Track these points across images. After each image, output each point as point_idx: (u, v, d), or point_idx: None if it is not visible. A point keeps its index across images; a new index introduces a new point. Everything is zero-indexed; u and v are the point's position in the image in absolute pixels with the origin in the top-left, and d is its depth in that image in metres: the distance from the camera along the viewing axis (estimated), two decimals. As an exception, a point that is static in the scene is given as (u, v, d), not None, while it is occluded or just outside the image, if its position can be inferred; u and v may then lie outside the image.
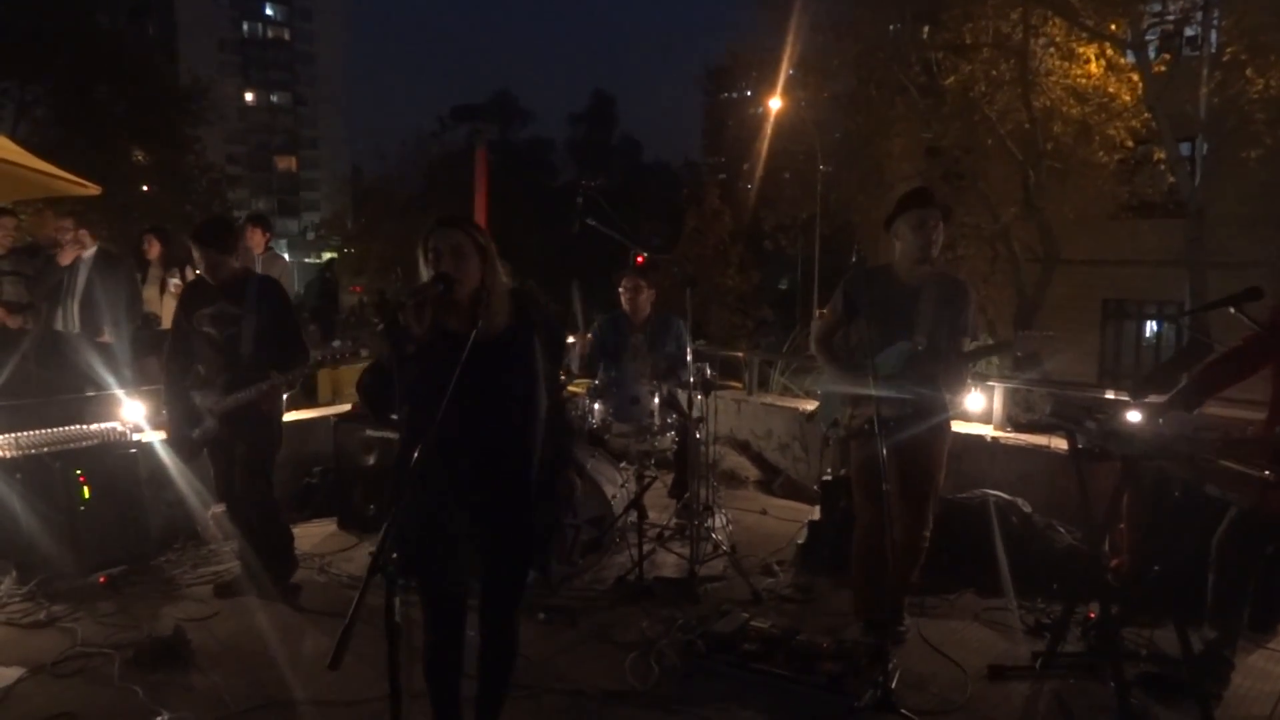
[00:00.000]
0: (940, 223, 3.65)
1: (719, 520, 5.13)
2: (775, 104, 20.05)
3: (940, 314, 3.63)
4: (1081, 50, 14.86)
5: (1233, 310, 3.35)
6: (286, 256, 14.49)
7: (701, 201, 26.70)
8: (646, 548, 4.48)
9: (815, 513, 4.93)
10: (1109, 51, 14.82)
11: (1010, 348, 4.51)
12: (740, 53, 21.28)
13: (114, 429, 4.81)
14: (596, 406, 4.65)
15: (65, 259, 6.51)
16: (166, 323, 6.64)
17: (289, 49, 70.73)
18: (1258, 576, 3.44)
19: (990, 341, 5.52)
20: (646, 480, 4.85)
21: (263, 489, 4.20)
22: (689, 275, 5.06)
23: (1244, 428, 3.56)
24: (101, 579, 4.34)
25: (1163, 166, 15.46)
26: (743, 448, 6.84)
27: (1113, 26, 14.37)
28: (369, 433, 5.29)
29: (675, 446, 5.02)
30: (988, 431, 5.40)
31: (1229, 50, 13.56)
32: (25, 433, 4.50)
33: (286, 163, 70.43)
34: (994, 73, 15.60)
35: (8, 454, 4.36)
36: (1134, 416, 3.34)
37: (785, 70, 18.78)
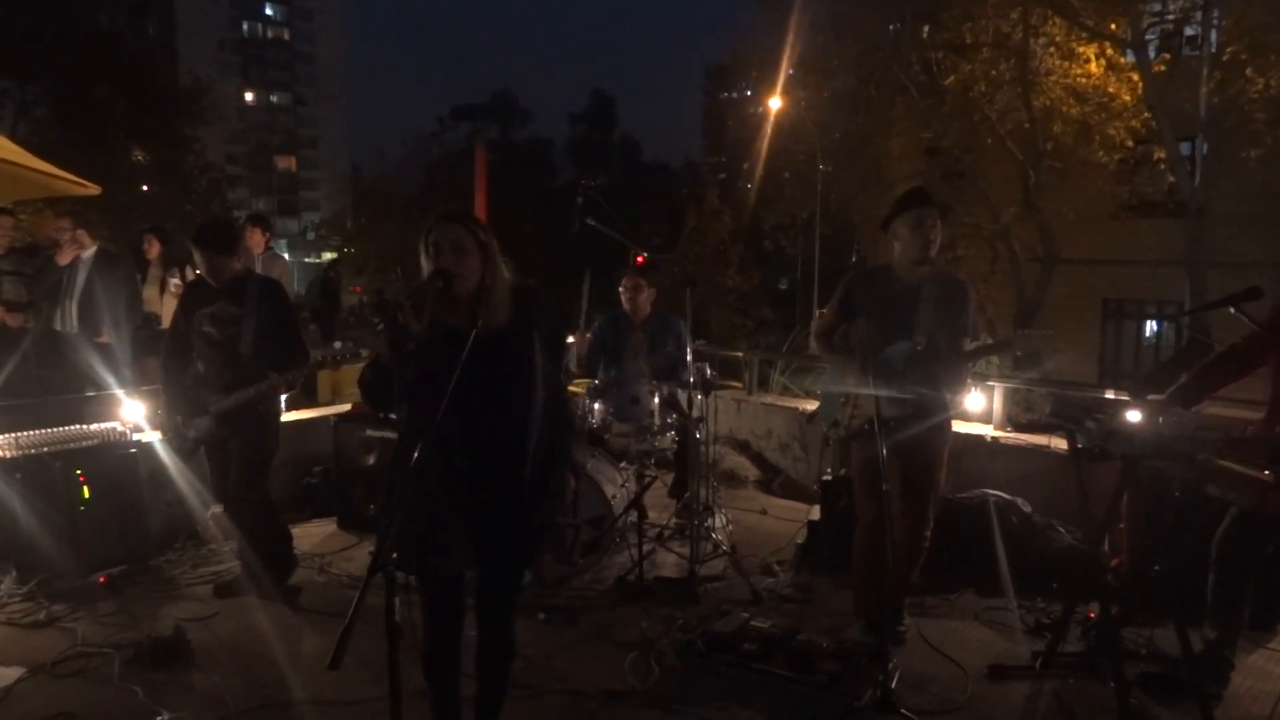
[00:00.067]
0: (938, 221, 3.65)
1: (719, 520, 5.13)
2: (775, 104, 20.06)
3: (940, 313, 3.63)
4: (1081, 50, 14.86)
5: (1233, 310, 3.35)
6: (286, 256, 14.51)
7: (701, 201, 26.72)
8: (646, 548, 4.48)
9: (815, 513, 4.93)
10: (1109, 51, 14.82)
11: (1010, 347, 4.50)
12: (740, 52, 21.30)
13: (114, 429, 4.80)
14: (596, 406, 4.65)
15: (63, 259, 6.51)
16: (166, 323, 6.63)
17: (289, 49, 70.73)
18: (1258, 576, 3.44)
19: (990, 341, 5.52)
20: (646, 480, 4.85)
21: (260, 489, 4.19)
22: (689, 275, 5.05)
23: (1244, 428, 3.56)
24: (101, 579, 4.34)
25: (1163, 166, 15.46)
26: (743, 447, 6.85)
27: (1113, 26, 14.36)
28: (369, 433, 5.29)
29: (675, 446, 5.02)
30: (988, 431, 5.40)
31: (1229, 50, 13.56)
32: (25, 433, 4.50)
33: (286, 163, 70.44)
34: (994, 72, 15.60)
35: (8, 454, 4.35)
36: (1134, 416, 3.34)
37: (785, 70, 18.79)
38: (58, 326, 6.56)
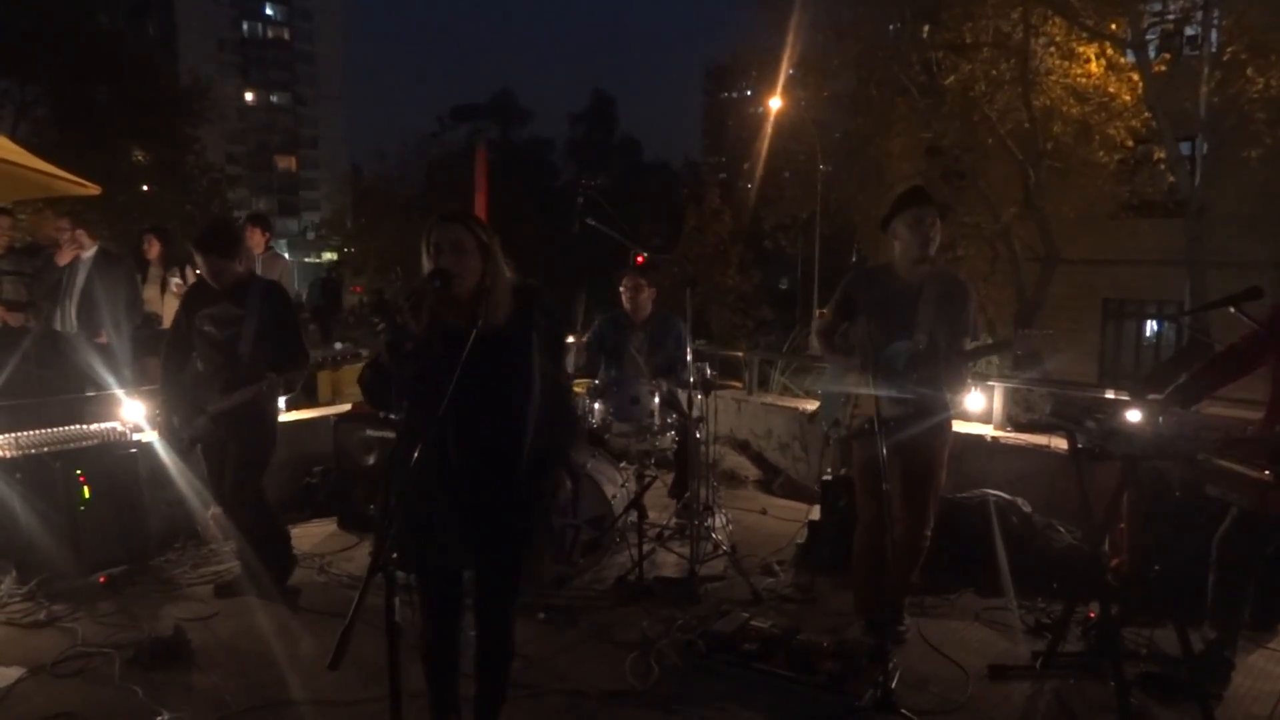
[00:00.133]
0: (937, 220, 3.65)
1: (719, 520, 5.13)
2: (775, 104, 20.06)
3: (941, 313, 3.63)
4: (1081, 50, 14.86)
5: (1233, 310, 3.36)
6: (287, 256, 14.49)
7: (701, 201, 26.71)
8: (646, 548, 4.48)
9: (815, 512, 4.93)
10: (1109, 51, 14.81)
11: (1010, 347, 4.50)
12: (740, 52, 21.31)
13: (114, 429, 4.80)
14: (596, 406, 4.65)
15: (62, 259, 6.51)
16: (167, 322, 6.63)
17: (289, 49, 70.72)
18: (1258, 576, 3.44)
19: (990, 341, 5.51)
20: (646, 480, 4.85)
21: (256, 490, 4.19)
22: (689, 275, 5.05)
23: (1244, 428, 3.56)
24: (101, 579, 4.34)
25: (1163, 166, 15.46)
26: (743, 447, 6.84)
27: (1113, 26, 14.36)
28: (369, 433, 5.29)
29: (675, 446, 5.02)
30: (988, 431, 5.40)
31: (1229, 50, 13.56)
32: (25, 433, 4.50)
33: (286, 162, 70.44)
34: (994, 72, 15.59)
35: (8, 454, 4.35)
36: (1134, 416, 3.34)
37: (785, 70, 18.78)
38: (58, 326, 6.56)
